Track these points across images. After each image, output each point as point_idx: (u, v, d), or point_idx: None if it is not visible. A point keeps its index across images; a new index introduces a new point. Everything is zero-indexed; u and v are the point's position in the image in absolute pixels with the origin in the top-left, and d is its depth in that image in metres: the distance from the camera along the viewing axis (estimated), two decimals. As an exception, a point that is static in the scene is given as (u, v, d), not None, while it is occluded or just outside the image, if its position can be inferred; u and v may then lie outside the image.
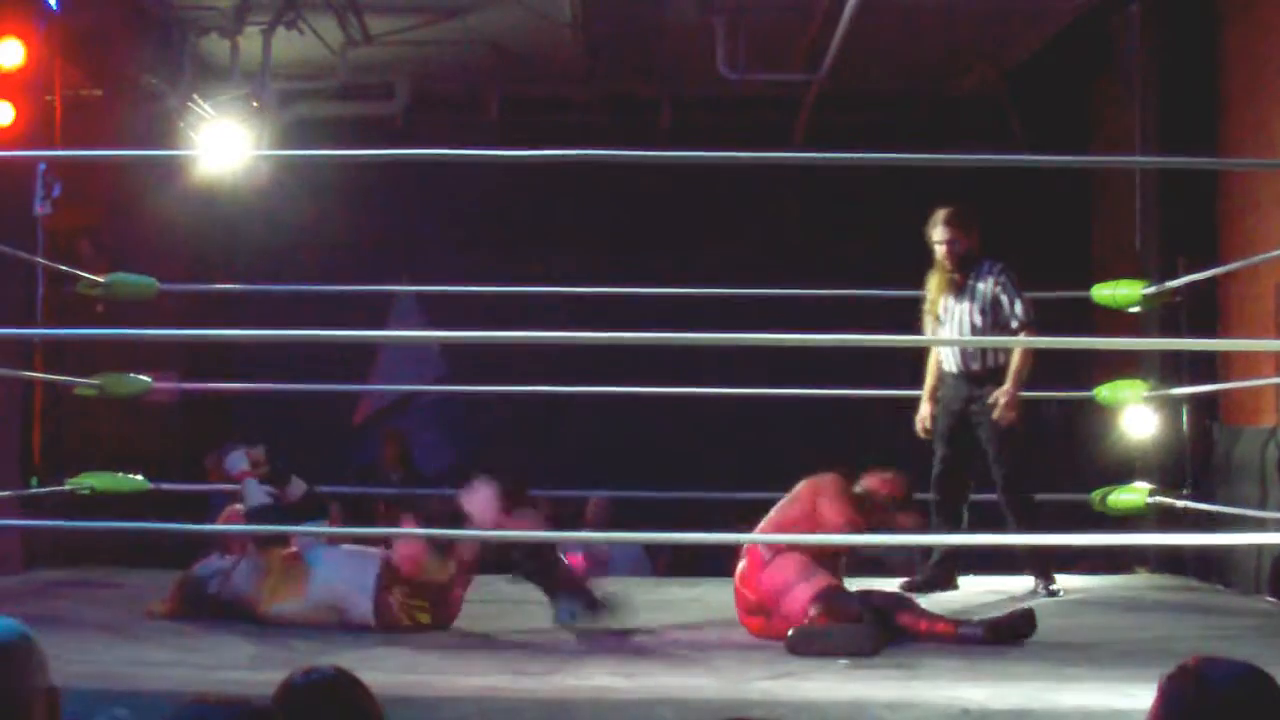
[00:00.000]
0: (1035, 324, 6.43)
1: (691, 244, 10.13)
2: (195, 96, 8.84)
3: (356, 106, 10.20)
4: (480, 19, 9.01)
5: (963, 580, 6.62)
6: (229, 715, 2.20)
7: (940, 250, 6.50)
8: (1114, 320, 7.39)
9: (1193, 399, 7.47)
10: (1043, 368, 8.90)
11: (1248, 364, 7.50)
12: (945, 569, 6.52)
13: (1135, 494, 6.82)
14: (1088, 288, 6.87)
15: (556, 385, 7.45)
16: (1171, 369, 7.47)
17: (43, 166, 6.99)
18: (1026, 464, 6.52)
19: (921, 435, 6.65)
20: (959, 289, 6.49)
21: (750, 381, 7.45)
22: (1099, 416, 8.01)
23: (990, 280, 6.45)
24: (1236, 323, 7.61)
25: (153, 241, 8.78)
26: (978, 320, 6.44)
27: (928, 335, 6.60)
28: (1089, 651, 5.10)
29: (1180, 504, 6.80)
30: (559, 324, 6.55)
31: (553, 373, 7.47)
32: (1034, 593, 6.41)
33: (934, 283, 6.56)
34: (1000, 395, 6.36)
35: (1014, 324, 6.41)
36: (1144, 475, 7.27)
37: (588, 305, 7.42)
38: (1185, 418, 7.59)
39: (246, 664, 4.63)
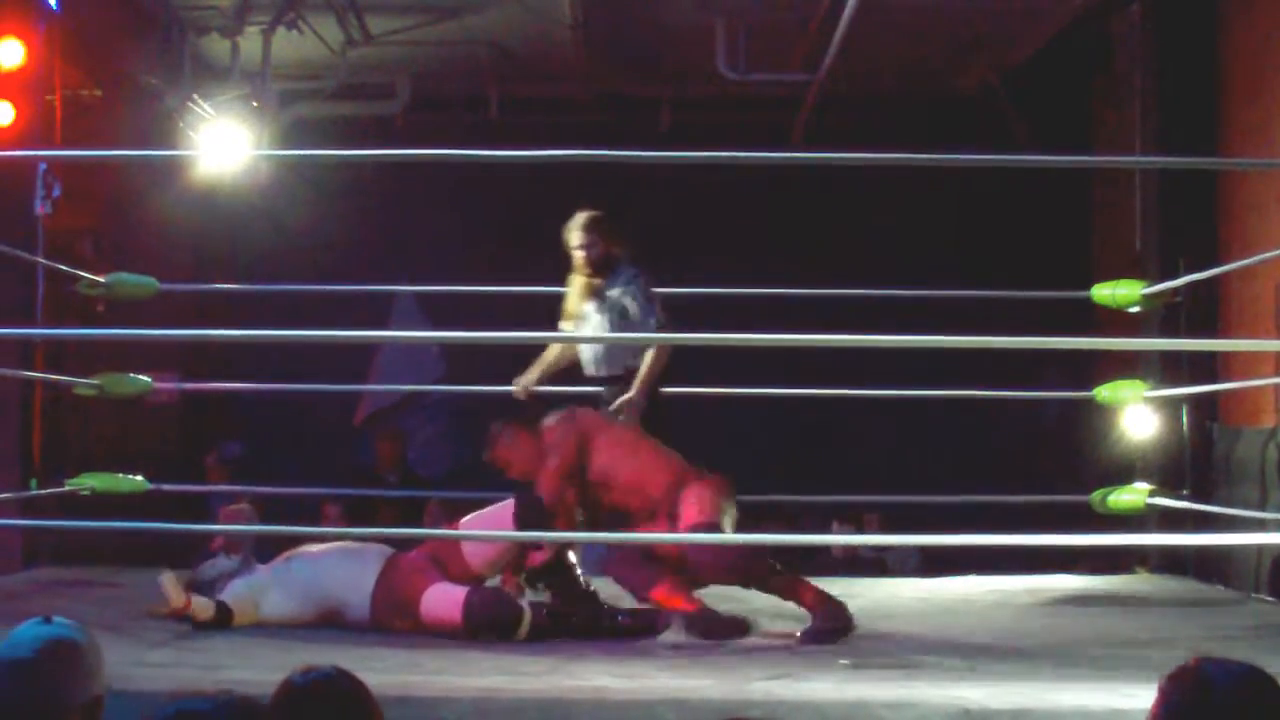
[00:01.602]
0: (668, 329, 6.33)
1: (691, 244, 10.12)
2: (195, 96, 8.82)
3: (356, 106, 10.19)
4: (480, 19, 9.00)
5: (965, 579, 6.59)
6: (214, 709, 2.20)
7: (577, 255, 6.41)
8: (1114, 320, 7.38)
9: (1192, 399, 7.46)
10: (1042, 368, 8.95)
11: (1248, 364, 7.50)
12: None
13: (1135, 494, 6.81)
14: (1088, 288, 6.86)
15: (556, 386, 7.44)
16: (1171, 369, 7.46)
17: (43, 166, 6.99)
18: None
19: (518, 396, 6.57)
20: (598, 294, 6.40)
21: (751, 382, 7.43)
22: (1099, 416, 8.01)
23: (619, 289, 6.35)
24: (1236, 323, 7.61)
25: (153, 241, 8.79)
26: (609, 328, 6.35)
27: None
28: (1089, 651, 5.09)
29: (1180, 504, 6.80)
30: (558, 324, 6.55)
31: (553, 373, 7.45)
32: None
33: (574, 287, 6.47)
34: (623, 401, 6.26)
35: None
36: (1144, 475, 7.27)
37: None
38: (1185, 418, 7.59)
39: (246, 664, 4.63)
